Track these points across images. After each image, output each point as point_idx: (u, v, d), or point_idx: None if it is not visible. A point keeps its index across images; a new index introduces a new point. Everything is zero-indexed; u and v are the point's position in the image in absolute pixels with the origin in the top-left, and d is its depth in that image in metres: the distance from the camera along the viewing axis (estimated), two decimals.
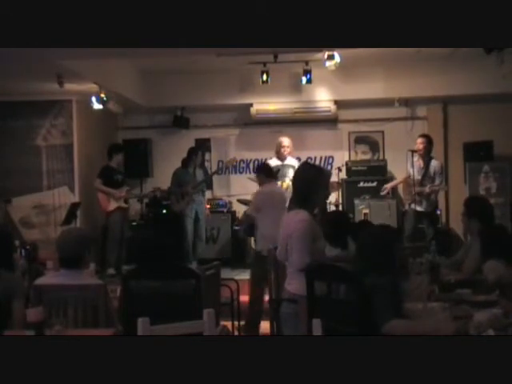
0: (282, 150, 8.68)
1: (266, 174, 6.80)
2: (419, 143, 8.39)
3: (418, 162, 8.37)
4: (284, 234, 4.02)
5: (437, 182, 8.35)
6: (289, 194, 4.95)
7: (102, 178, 8.66)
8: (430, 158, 8.41)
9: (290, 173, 8.27)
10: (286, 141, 8.78)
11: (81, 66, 7.34)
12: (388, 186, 9.11)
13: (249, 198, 8.99)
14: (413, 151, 8.36)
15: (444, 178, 8.59)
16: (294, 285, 3.88)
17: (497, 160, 9.39)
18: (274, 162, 8.52)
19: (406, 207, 8.71)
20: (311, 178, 3.98)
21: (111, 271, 8.30)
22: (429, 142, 8.43)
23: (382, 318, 3.14)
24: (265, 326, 5.89)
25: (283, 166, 8.59)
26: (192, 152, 9.22)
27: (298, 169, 4.37)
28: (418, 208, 8.32)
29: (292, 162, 8.72)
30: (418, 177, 8.32)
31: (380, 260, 3.43)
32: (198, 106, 10.18)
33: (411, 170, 8.28)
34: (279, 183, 7.99)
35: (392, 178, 9.85)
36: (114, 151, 8.88)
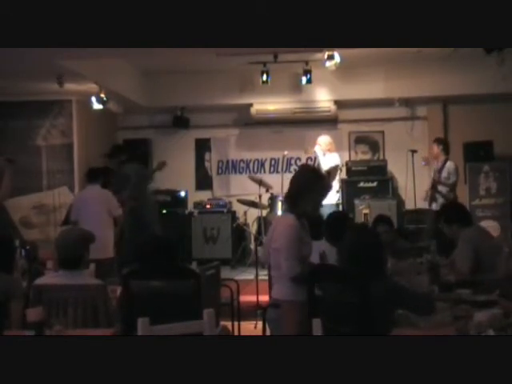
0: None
1: (87, 178, 7.13)
2: (432, 149, 8.61)
3: (437, 163, 8.52)
4: (269, 236, 3.92)
5: (450, 182, 8.38)
6: None
7: None
8: (446, 160, 8.46)
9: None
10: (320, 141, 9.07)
11: (81, 66, 7.35)
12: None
13: (249, 198, 9.02)
14: (413, 151, 8.38)
15: (457, 178, 8.51)
16: (276, 290, 3.83)
17: (497, 160, 9.40)
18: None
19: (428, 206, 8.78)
20: (305, 181, 3.81)
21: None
22: (439, 144, 8.54)
23: (380, 318, 3.16)
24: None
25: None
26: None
27: (296, 171, 4.21)
28: (434, 206, 8.34)
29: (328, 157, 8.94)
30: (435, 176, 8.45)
31: (370, 260, 3.43)
32: (198, 106, 10.18)
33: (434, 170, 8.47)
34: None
35: (392, 178, 9.87)
36: (116, 153, 8.79)
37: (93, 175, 7.05)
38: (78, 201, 7.08)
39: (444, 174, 8.36)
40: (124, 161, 8.44)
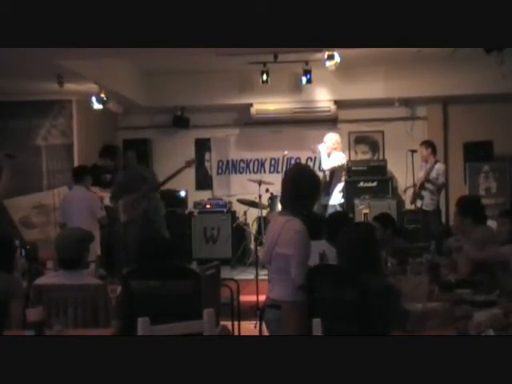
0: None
1: (73, 178, 7.01)
2: (421, 153, 8.78)
3: (426, 165, 8.73)
4: (271, 237, 3.75)
5: (439, 182, 8.62)
6: None
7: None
8: (436, 162, 8.70)
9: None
10: (326, 139, 8.82)
11: (81, 66, 7.35)
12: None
13: (249, 197, 9.02)
14: (412, 151, 8.42)
15: (445, 180, 8.83)
16: (276, 291, 3.75)
17: (497, 160, 9.40)
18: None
19: (412, 206, 8.95)
20: (308, 185, 3.71)
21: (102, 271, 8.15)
22: (427, 147, 8.76)
23: (380, 318, 3.16)
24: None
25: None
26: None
27: (293, 173, 3.91)
28: (419, 204, 8.54)
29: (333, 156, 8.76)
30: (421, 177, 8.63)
31: (366, 259, 3.43)
32: (198, 106, 10.18)
33: (420, 173, 8.62)
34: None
35: (392, 178, 9.88)
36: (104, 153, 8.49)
37: (77, 176, 6.99)
38: (64, 202, 7.07)
39: (433, 174, 8.58)
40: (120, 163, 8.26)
